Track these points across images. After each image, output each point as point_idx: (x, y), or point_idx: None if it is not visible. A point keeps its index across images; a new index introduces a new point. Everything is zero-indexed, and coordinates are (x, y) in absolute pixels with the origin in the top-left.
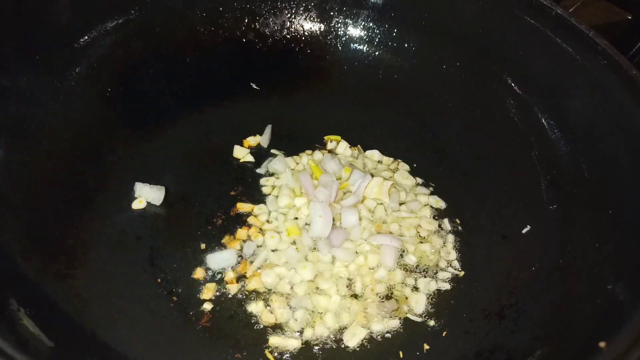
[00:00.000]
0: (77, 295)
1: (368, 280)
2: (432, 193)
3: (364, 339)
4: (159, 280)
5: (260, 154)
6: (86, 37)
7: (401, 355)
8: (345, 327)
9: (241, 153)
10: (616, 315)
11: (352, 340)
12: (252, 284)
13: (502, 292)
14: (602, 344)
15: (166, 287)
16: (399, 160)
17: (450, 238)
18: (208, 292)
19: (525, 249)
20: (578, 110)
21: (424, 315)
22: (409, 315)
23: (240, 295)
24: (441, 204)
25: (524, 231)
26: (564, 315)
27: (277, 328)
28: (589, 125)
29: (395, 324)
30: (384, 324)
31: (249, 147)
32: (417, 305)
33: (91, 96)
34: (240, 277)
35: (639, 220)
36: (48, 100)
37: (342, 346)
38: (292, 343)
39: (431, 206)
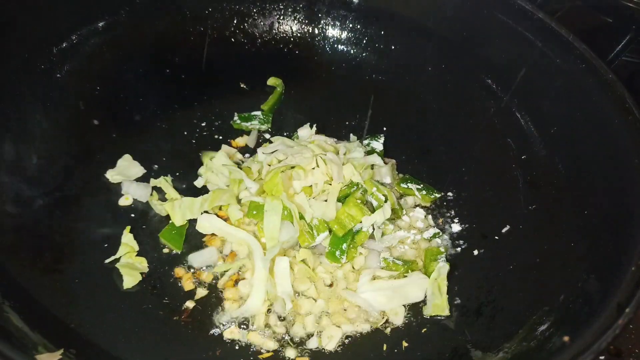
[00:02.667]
0: (63, 290)
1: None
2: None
3: (343, 338)
4: (143, 275)
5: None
6: (76, 36)
7: (385, 348)
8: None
9: (229, 152)
10: (586, 311)
11: (331, 343)
12: (228, 293)
13: (480, 290)
14: (565, 339)
15: (150, 283)
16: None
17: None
18: (187, 283)
19: (504, 248)
20: (556, 113)
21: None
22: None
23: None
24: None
25: (503, 231)
26: (537, 312)
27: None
28: (567, 127)
29: (366, 328)
30: (358, 327)
31: (237, 147)
32: (396, 317)
33: (80, 94)
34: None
35: (612, 220)
36: (36, 98)
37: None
38: (269, 344)
39: (417, 205)
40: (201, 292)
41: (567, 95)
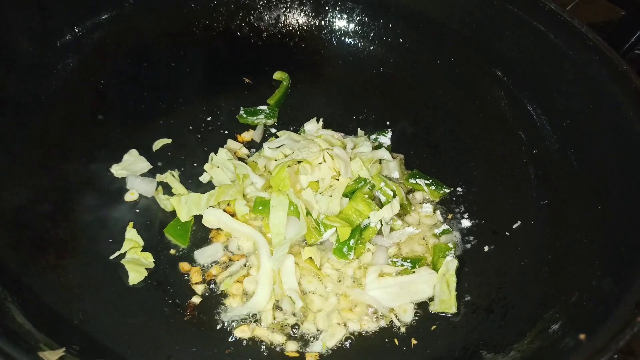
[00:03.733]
0: (66, 286)
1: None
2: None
3: (350, 335)
4: (148, 272)
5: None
6: (80, 29)
7: (394, 345)
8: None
9: (234, 147)
10: (601, 309)
11: (332, 340)
12: (233, 290)
13: (491, 287)
14: (582, 336)
15: (155, 279)
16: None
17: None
18: (195, 275)
19: (515, 244)
20: (569, 106)
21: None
22: (394, 321)
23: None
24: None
25: (514, 227)
26: (550, 310)
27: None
28: (580, 120)
29: (371, 328)
30: (367, 324)
31: (243, 142)
32: (405, 314)
33: (84, 88)
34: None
35: (626, 215)
36: (40, 92)
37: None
38: (277, 338)
39: (426, 200)
40: (207, 289)
41: (580, 88)
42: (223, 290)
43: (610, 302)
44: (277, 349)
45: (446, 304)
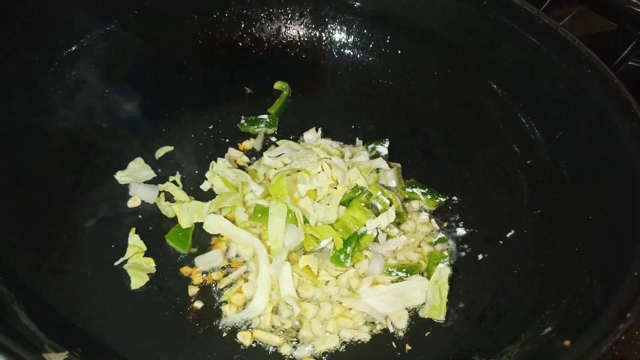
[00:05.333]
0: (69, 290)
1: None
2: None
3: (344, 342)
4: (150, 276)
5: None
6: (84, 40)
7: (388, 352)
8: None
9: (235, 155)
10: (588, 316)
11: (323, 346)
12: (234, 300)
13: (484, 295)
14: (566, 343)
15: (157, 284)
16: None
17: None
18: (196, 277)
19: (508, 252)
20: (561, 118)
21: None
22: (388, 327)
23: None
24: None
25: (508, 235)
26: (540, 317)
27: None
28: (571, 132)
29: (365, 336)
30: (362, 331)
31: (244, 150)
32: (400, 321)
33: (88, 97)
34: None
35: (616, 225)
36: (46, 101)
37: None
38: (274, 341)
39: (422, 209)
40: (208, 294)
41: (572, 101)
42: (224, 301)
43: (597, 309)
44: (275, 351)
45: (436, 310)
